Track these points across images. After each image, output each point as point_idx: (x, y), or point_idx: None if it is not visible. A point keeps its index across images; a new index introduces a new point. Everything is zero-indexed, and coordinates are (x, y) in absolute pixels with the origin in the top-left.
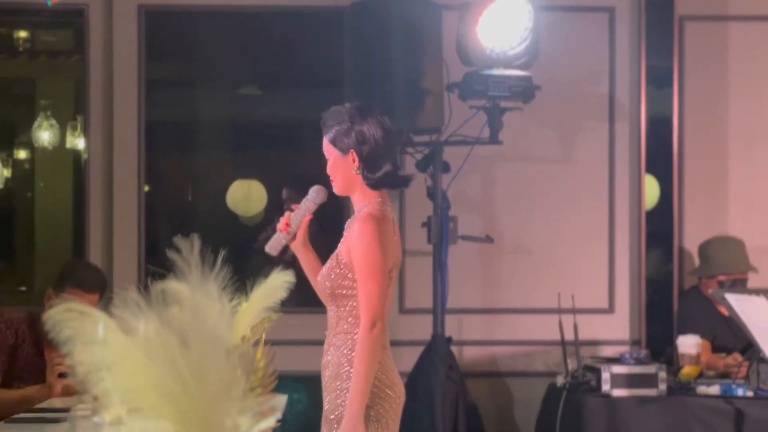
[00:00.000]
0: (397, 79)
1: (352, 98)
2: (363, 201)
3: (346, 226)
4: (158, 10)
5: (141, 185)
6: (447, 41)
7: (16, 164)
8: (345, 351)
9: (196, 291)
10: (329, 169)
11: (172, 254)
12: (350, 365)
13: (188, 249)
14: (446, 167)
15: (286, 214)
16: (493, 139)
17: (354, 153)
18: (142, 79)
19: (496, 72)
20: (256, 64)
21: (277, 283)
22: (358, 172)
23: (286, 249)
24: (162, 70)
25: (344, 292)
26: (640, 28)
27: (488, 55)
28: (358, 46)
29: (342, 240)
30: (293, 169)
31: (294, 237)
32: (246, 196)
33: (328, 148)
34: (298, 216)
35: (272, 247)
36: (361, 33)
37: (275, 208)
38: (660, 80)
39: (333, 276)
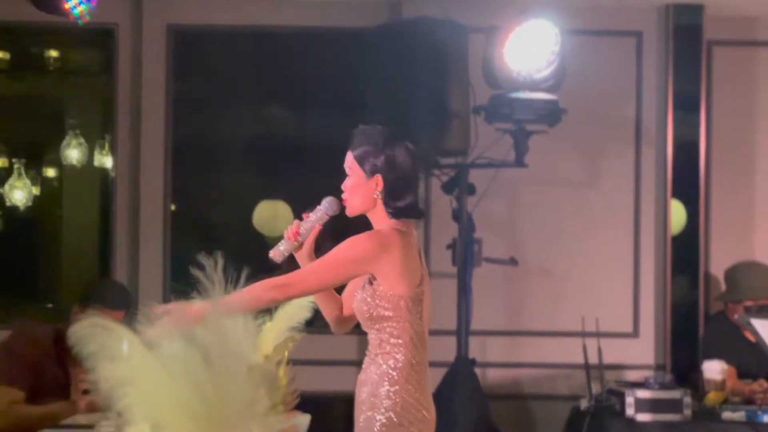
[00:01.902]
0: (423, 101)
1: (377, 120)
2: (382, 224)
3: (276, 253)
4: (186, 30)
5: (167, 204)
6: (473, 64)
7: (45, 182)
8: (386, 369)
9: (219, 310)
10: (349, 187)
11: (196, 272)
12: (390, 384)
13: (212, 267)
14: (472, 189)
15: (296, 222)
16: (519, 162)
17: (380, 177)
18: (170, 98)
19: (522, 95)
20: (283, 85)
21: (301, 303)
22: (379, 196)
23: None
24: (190, 89)
25: (384, 313)
26: (667, 52)
27: (514, 78)
28: (383, 68)
29: None
30: (317, 189)
31: (300, 246)
32: (272, 216)
33: (352, 165)
34: (308, 225)
35: (278, 253)
36: (387, 55)
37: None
38: (687, 104)
39: (369, 299)
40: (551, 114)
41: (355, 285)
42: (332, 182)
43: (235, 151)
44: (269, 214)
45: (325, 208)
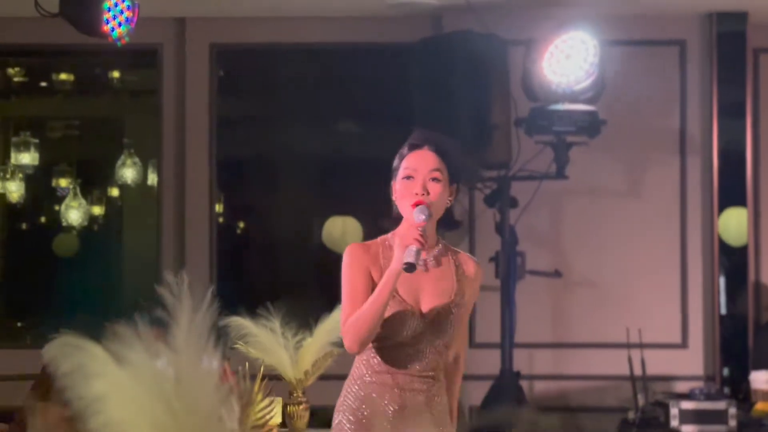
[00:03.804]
0: (465, 114)
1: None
2: (435, 236)
3: (435, 257)
4: (229, 48)
5: (213, 221)
6: (514, 76)
7: (109, 201)
8: (443, 385)
9: (187, 327)
10: (436, 194)
11: (162, 291)
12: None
13: (178, 286)
14: (514, 202)
15: (415, 230)
16: (560, 174)
17: (455, 187)
18: (214, 116)
19: (561, 107)
20: (327, 101)
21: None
22: (447, 205)
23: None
24: (234, 107)
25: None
26: (711, 60)
27: (554, 90)
28: (426, 82)
29: (442, 281)
30: (362, 202)
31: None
32: (342, 231)
33: (442, 169)
34: (422, 230)
35: (419, 260)
36: (430, 68)
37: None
38: (732, 112)
39: (458, 321)
40: (591, 125)
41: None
42: (375, 195)
43: (282, 167)
44: (339, 229)
45: (426, 215)
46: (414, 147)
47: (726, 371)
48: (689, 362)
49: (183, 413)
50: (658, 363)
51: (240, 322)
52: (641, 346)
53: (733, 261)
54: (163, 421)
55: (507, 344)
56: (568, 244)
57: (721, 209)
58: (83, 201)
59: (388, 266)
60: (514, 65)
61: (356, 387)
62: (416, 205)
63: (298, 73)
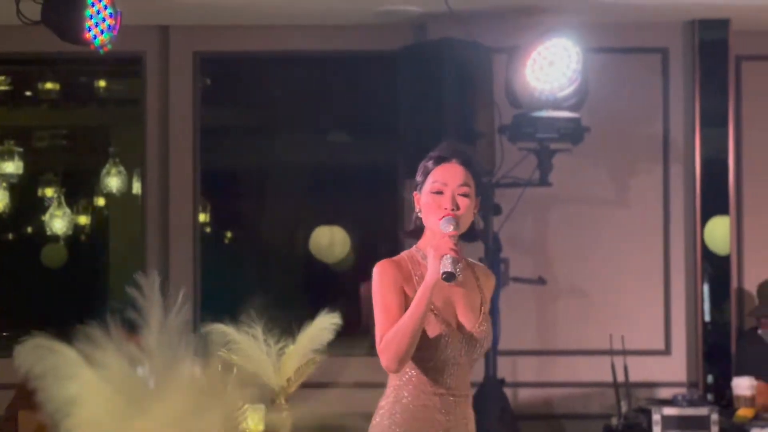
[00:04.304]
0: (448, 122)
1: (405, 140)
2: (426, 244)
3: (458, 271)
4: (213, 57)
5: (197, 229)
6: (497, 84)
7: (95, 211)
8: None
9: (159, 327)
10: (466, 208)
11: (132, 291)
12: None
13: (150, 286)
14: (497, 209)
15: (448, 240)
16: (544, 181)
17: (479, 199)
18: (198, 124)
19: (544, 114)
20: (310, 109)
21: (323, 326)
22: (472, 216)
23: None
24: (218, 115)
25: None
26: (694, 68)
27: (537, 98)
28: (410, 89)
29: (470, 293)
30: (347, 212)
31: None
32: (330, 241)
33: (470, 184)
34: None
35: (458, 271)
36: (413, 76)
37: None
38: (715, 120)
39: (490, 332)
40: (574, 132)
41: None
42: (362, 204)
43: (268, 177)
44: (327, 239)
45: (454, 225)
46: (441, 160)
47: (709, 378)
48: (672, 369)
49: (156, 415)
50: (641, 369)
51: (222, 329)
52: (624, 352)
53: (716, 268)
54: (136, 423)
55: (491, 352)
56: (551, 251)
57: (704, 217)
58: (68, 210)
59: (419, 280)
60: (498, 72)
61: (399, 408)
62: (443, 217)
63: (283, 82)
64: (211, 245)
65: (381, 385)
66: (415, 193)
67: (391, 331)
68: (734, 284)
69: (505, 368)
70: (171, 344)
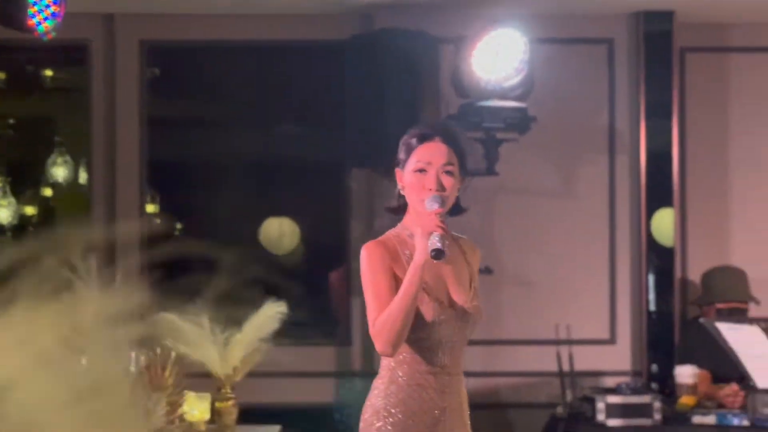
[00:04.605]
0: (394, 112)
1: (352, 131)
2: (412, 224)
3: (444, 247)
4: (160, 45)
5: (143, 221)
6: (444, 73)
7: (42, 201)
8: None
9: (95, 313)
10: (451, 187)
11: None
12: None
13: (85, 268)
14: None
15: (435, 217)
16: (490, 171)
17: (462, 179)
18: (145, 114)
19: (491, 104)
20: (257, 99)
21: (269, 314)
22: (457, 193)
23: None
24: (165, 105)
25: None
26: (638, 60)
27: (483, 87)
28: (357, 79)
29: (459, 268)
30: (292, 203)
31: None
32: (279, 233)
33: (455, 162)
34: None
35: (444, 247)
36: (360, 66)
37: (307, 244)
38: (660, 112)
39: (481, 307)
40: (520, 122)
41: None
42: (310, 196)
43: (219, 168)
44: (276, 231)
45: (439, 203)
46: (425, 138)
47: (654, 367)
48: (617, 358)
49: (91, 399)
50: (586, 359)
51: (169, 318)
52: (570, 342)
53: (661, 259)
54: (72, 407)
55: None
56: (498, 241)
57: (649, 208)
58: (13, 200)
59: (408, 260)
60: (444, 62)
61: (395, 389)
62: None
63: (232, 72)
64: (161, 236)
65: (328, 375)
66: (397, 169)
67: (384, 315)
68: (678, 274)
69: None
70: (112, 332)
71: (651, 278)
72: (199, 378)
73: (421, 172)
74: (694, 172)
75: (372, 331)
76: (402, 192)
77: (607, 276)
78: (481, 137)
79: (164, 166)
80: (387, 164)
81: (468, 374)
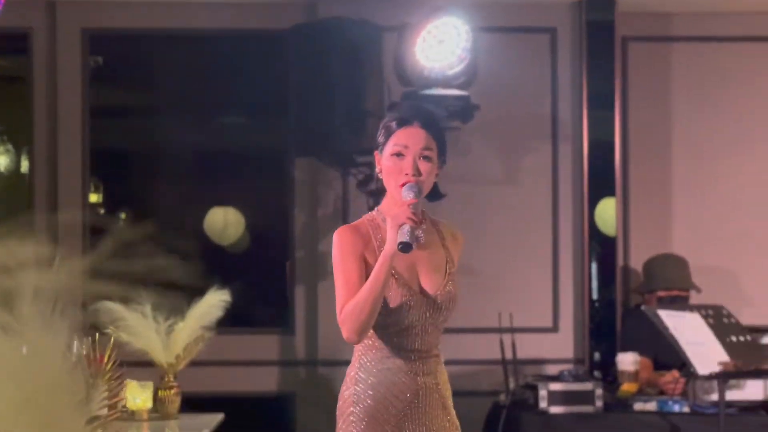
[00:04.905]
0: (338, 101)
1: (296, 120)
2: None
3: (413, 240)
4: (103, 34)
5: (86, 209)
6: (387, 62)
7: None
8: (441, 360)
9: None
10: (427, 172)
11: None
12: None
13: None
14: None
15: (407, 209)
16: None
17: (442, 160)
18: (87, 104)
19: (434, 92)
20: (200, 88)
21: (212, 302)
22: (435, 178)
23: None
24: (107, 94)
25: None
26: (581, 48)
27: (426, 76)
28: (300, 68)
29: (434, 254)
30: (236, 193)
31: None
32: (224, 222)
33: (434, 148)
34: (418, 209)
35: (415, 239)
36: (303, 55)
37: (252, 233)
38: (602, 101)
39: (455, 294)
40: (463, 110)
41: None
42: (254, 185)
43: (163, 157)
44: (220, 220)
45: (415, 192)
46: (403, 122)
47: (596, 354)
48: (560, 346)
49: (28, 385)
50: (530, 347)
51: (110, 307)
52: (513, 330)
53: (604, 248)
54: (15, 402)
55: None
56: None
57: (591, 197)
58: None
59: (380, 245)
60: (387, 51)
61: (366, 375)
62: (404, 184)
63: (175, 60)
64: (104, 226)
65: (271, 363)
66: (376, 152)
67: (351, 303)
68: (620, 263)
69: None
70: (49, 318)
71: (594, 267)
72: (142, 367)
73: (398, 156)
74: (636, 161)
75: (339, 318)
76: (380, 175)
77: (550, 264)
78: None
79: (107, 156)
80: (331, 153)
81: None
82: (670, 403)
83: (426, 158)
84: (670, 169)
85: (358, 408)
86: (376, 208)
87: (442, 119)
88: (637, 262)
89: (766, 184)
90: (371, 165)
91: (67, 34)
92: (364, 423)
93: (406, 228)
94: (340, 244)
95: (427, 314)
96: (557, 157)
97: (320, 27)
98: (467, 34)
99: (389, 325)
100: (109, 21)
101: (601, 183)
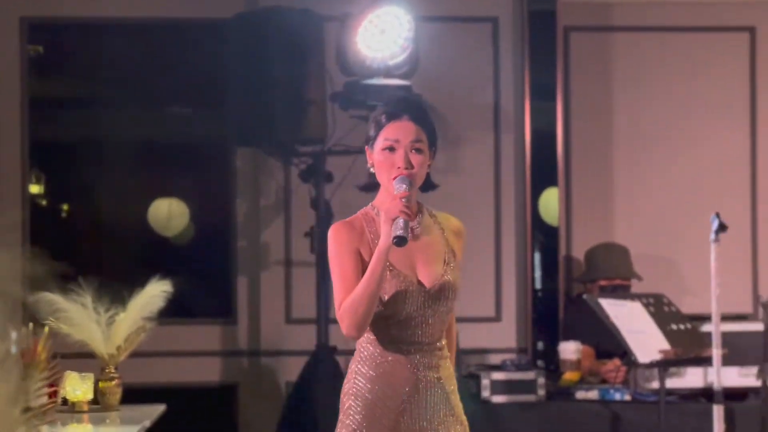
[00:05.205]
0: (279, 91)
1: (237, 110)
2: (416, 203)
3: (421, 223)
4: (43, 23)
5: (26, 201)
6: (329, 52)
7: None
8: (446, 352)
9: None
10: (419, 165)
11: None
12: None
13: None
14: (329, 177)
15: (400, 202)
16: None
17: (433, 150)
18: (27, 94)
19: (375, 81)
20: (148, 80)
21: (153, 293)
22: (427, 169)
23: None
24: (53, 85)
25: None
26: (523, 38)
27: (368, 65)
28: (240, 58)
29: (432, 244)
30: (176, 185)
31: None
32: (168, 213)
33: (424, 140)
34: (412, 202)
35: (408, 232)
36: (244, 44)
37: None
38: (544, 91)
39: (455, 283)
40: None
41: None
42: (196, 176)
43: (106, 149)
44: (164, 211)
45: (407, 184)
46: (393, 117)
47: (539, 344)
48: (503, 335)
49: None
50: (472, 336)
51: (50, 298)
52: (456, 320)
53: (547, 237)
54: None
55: (323, 319)
56: None
57: (534, 187)
58: None
59: (374, 240)
60: (329, 41)
61: (365, 368)
62: (396, 178)
63: (117, 50)
64: (47, 217)
65: (213, 354)
66: (366, 147)
67: (348, 299)
68: (563, 252)
69: (337, 336)
70: None
71: (536, 256)
72: (83, 358)
73: (390, 151)
74: (578, 151)
75: (337, 314)
76: (372, 170)
77: (493, 254)
78: (365, 115)
79: (49, 147)
80: (272, 142)
81: (351, 352)
82: (612, 391)
83: (417, 150)
84: (612, 158)
85: (357, 402)
86: (371, 203)
87: (429, 108)
88: (579, 252)
89: (706, 173)
90: (313, 155)
91: (5, 23)
92: (361, 416)
93: (401, 221)
94: (335, 241)
95: (426, 304)
96: (500, 147)
97: (261, 16)
98: (409, 23)
99: (387, 317)
100: (49, 9)
101: (543, 173)
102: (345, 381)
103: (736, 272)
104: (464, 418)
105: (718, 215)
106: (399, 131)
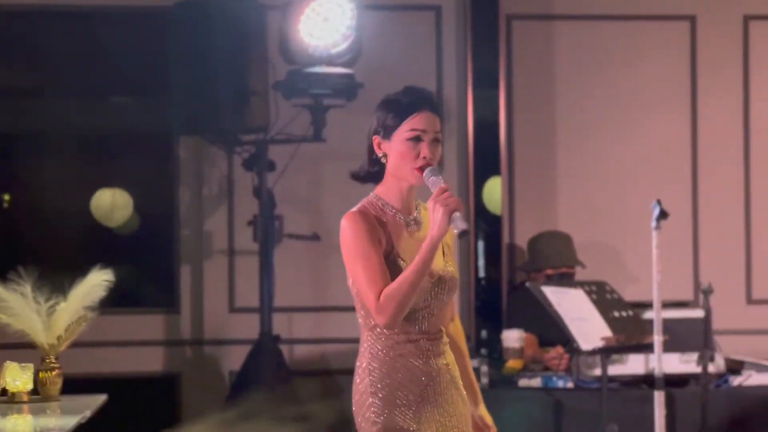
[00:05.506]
0: (222, 79)
1: (179, 100)
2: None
3: (415, 219)
4: None
5: None
6: (272, 41)
7: None
8: (448, 341)
9: None
10: (438, 154)
11: None
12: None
13: None
14: (272, 166)
15: (446, 193)
16: (317, 137)
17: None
18: None
19: (318, 70)
20: (91, 69)
21: (95, 282)
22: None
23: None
24: None
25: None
26: (465, 27)
27: (310, 54)
28: (182, 47)
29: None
30: (124, 176)
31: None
32: (111, 203)
33: (440, 131)
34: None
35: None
36: (185, 33)
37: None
38: (487, 79)
39: (455, 274)
40: (348, 88)
41: None
42: (139, 165)
43: (48, 139)
44: (108, 201)
45: (437, 174)
46: (417, 107)
47: (483, 332)
48: None
49: None
50: None
51: None
52: None
53: (490, 226)
54: None
55: (266, 308)
56: (326, 208)
57: (477, 176)
58: None
59: (388, 227)
60: (271, 29)
61: (377, 364)
62: (421, 168)
63: (56, 38)
64: None
65: (156, 343)
66: (376, 137)
67: (392, 290)
68: (506, 241)
69: (281, 325)
70: None
71: (480, 245)
72: (23, 348)
73: (415, 141)
74: (521, 139)
75: (376, 305)
76: (382, 160)
77: None
78: (308, 104)
79: None
80: (215, 131)
81: (296, 341)
82: (555, 378)
83: (437, 141)
84: (555, 147)
85: (377, 398)
86: (373, 193)
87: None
88: (522, 240)
89: (647, 161)
90: (256, 143)
91: None
92: (386, 412)
93: (458, 215)
94: (356, 231)
95: (432, 295)
96: (443, 135)
97: (203, 4)
98: (352, 11)
99: None
100: None
101: (486, 162)
102: (357, 381)
103: (677, 259)
104: (467, 398)
105: (659, 202)
106: (424, 122)
